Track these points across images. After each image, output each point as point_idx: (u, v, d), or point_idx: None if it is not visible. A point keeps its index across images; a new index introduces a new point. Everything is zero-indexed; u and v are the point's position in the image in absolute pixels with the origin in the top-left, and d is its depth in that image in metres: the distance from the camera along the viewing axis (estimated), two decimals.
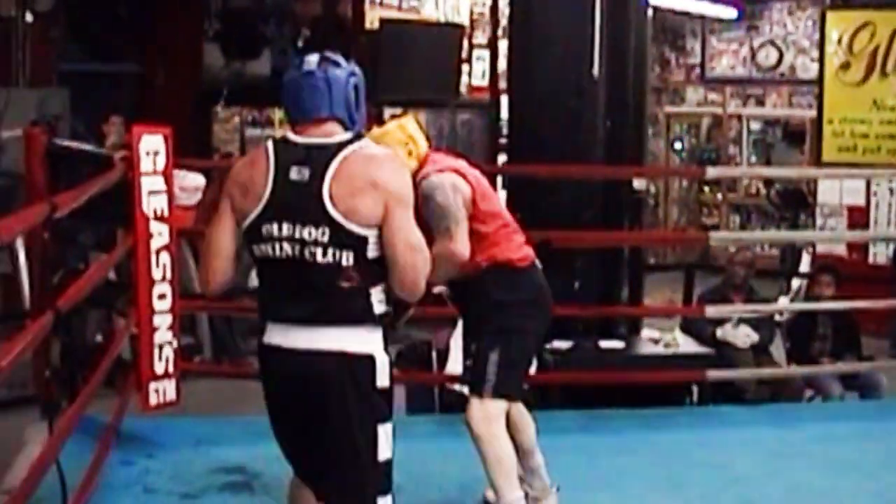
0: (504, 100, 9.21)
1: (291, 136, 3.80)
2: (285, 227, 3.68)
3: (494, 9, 9.74)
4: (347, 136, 3.77)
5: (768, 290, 10.22)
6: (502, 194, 9.10)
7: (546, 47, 8.04)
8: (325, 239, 3.65)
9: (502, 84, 9.47)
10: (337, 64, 3.86)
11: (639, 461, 6.52)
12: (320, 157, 3.69)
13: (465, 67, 13.60)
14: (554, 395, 7.60)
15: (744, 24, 17.63)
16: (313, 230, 3.65)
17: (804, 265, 12.92)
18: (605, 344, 7.75)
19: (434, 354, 7.65)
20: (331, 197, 3.63)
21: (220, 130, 12.60)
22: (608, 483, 6.13)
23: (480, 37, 13.79)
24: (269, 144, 3.81)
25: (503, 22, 9.47)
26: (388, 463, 3.83)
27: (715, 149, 17.79)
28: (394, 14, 12.83)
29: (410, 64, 11.99)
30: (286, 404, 3.85)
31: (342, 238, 3.65)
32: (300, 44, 12.60)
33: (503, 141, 9.41)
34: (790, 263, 13.89)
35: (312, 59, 3.84)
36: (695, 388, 7.94)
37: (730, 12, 16.89)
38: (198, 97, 12.43)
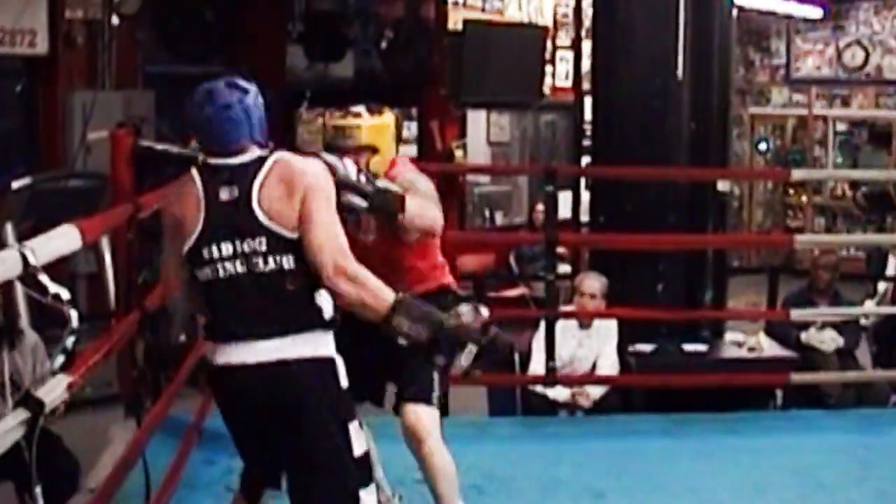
0: (588, 101, 9.14)
1: (213, 161, 3.91)
2: (224, 246, 3.80)
3: (578, 10, 9.67)
4: (265, 151, 3.91)
5: (854, 293, 10.06)
6: (586, 196, 9.09)
7: (630, 48, 8.02)
8: (264, 248, 3.78)
9: (586, 85, 9.39)
10: (245, 90, 3.95)
11: (722, 466, 6.44)
12: (245, 174, 3.83)
13: (548, 69, 13.59)
14: (637, 399, 7.57)
15: (829, 23, 17.41)
16: (251, 241, 3.78)
17: (890, 268, 12.72)
18: (688, 347, 7.69)
19: (516, 356, 7.62)
20: (260, 207, 3.78)
21: (303, 132, 12.62)
22: (690, 488, 6.06)
23: (564, 38, 13.77)
24: (194, 172, 3.93)
25: (587, 23, 9.38)
26: (365, 456, 3.94)
27: (800, 150, 17.58)
28: (477, 15, 12.81)
29: (494, 65, 11.99)
30: (255, 420, 3.91)
31: (279, 243, 3.78)
32: (383, 45, 12.62)
33: (587, 143, 9.33)
34: (876, 267, 13.69)
35: (222, 90, 3.91)
36: (779, 393, 7.87)
37: (815, 12, 16.69)
38: (282, 99, 12.49)
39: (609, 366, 7.50)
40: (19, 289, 6.35)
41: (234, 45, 12.40)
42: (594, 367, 7.52)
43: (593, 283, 7.50)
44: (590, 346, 7.54)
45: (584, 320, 7.57)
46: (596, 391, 7.46)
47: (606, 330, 7.57)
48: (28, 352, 6.10)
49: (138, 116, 9.87)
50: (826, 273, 8.76)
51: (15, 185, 8.35)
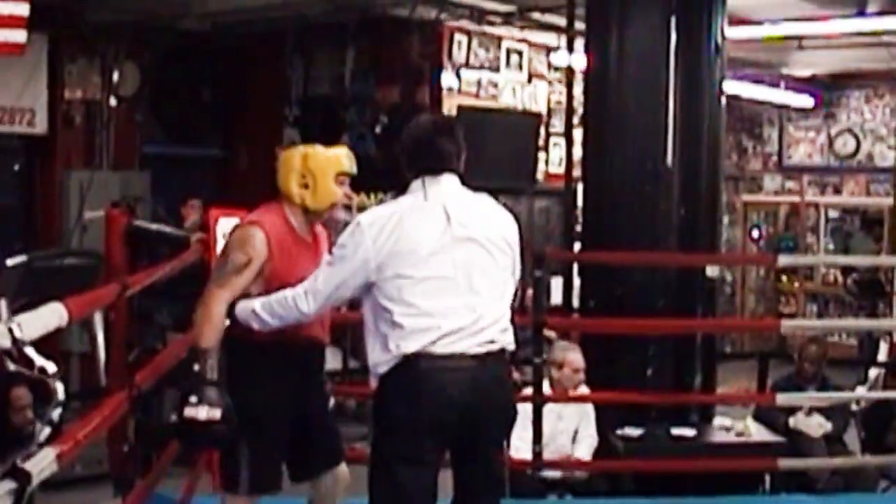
0: (580, 187, 9.22)
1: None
2: None
3: (570, 97, 9.77)
4: None
5: (846, 378, 10.08)
6: (577, 281, 9.14)
7: (621, 135, 8.11)
8: None
9: (578, 172, 9.47)
10: None
11: None
12: None
13: (542, 155, 13.67)
14: (625, 483, 7.56)
15: (821, 112, 17.57)
16: None
17: (881, 354, 12.74)
18: (676, 431, 7.70)
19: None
20: None
21: None
22: None
23: (558, 124, 13.86)
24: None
25: (579, 110, 9.49)
26: None
27: (793, 237, 17.67)
28: (472, 101, 12.90)
29: (488, 151, 12.04)
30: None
31: None
32: (378, 130, 12.71)
33: (578, 228, 9.40)
34: (868, 353, 13.71)
35: None
36: (767, 477, 7.85)
37: (806, 101, 16.86)
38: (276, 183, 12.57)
39: (589, 444, 7.50)
40: None
41: (232, 129, 12.50)
42: (575, 436, 7.51)
43: (577, 356, 7.48)
44: (569, 418, 7.51)
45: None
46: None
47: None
48: None
49: (133, 196, 9.98)
50: (811, 365, 8.73)
51: (10, 262, 8.39)
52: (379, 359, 4.35)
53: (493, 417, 4.43)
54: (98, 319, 7.38)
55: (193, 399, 4.34)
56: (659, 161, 7.96)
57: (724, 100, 8.45)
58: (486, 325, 4.37)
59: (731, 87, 11.52)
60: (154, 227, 5.59)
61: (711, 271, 8.45)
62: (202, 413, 4.31)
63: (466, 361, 4.30)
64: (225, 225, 5.89)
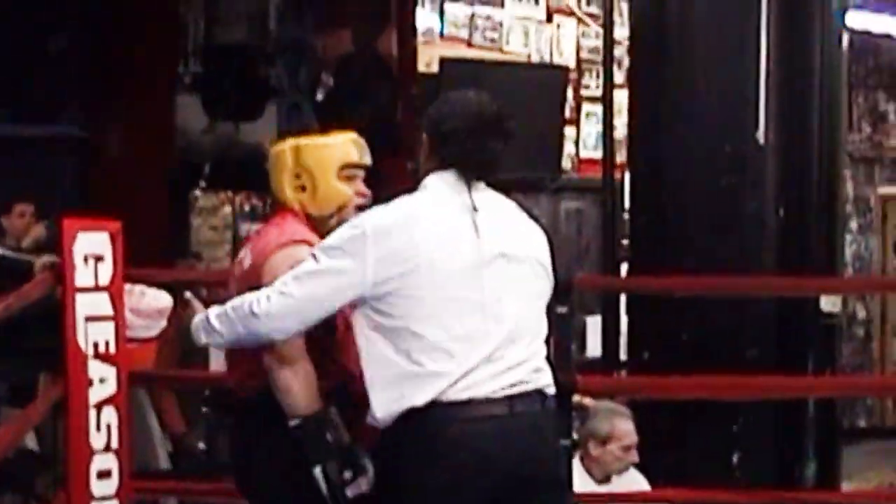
0: (626, 179, 9.24)
1: None
2: None
3: (610, 42, 9.79)
4: None
5: None
6: (624, 322, 9.15)
7: (686, 100, 8.12)
8: None
9: (622, 156, 9.49)
10: None
11: None
12: None
13: (569, 131, 13.69)
14: None
15: None
16: None
17: None
18: None
19: None
20: None
21: (200, 225, 12.66)
22: None
23: (592, 85, 13.88)
24: None
25: (624, 62, 9.50)
26: None
27: None
28: (461, 51, 12.92)
29: None
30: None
31: None
32: (320, 96, 12.70)
33: (626, 241, 9.41)
34: None
35: None
36: None
37: None
38: (167, 175, 12.51)
39: None
40: None
41: (97, 95, 12.45)
42: None
43: (630, 426, 7.47)
44: None
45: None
46: None
47: (632, 481, 7.59)
48: None
49: None
50: None
51: None
52: (380, 404, 4.75)
53: (533, 483, 4.75)
54: None
55: (348, 475, 4.84)
56: (745, 138, 7.99)
57: (846, 40, 8.47)
58: (515, 362, 4.77)
59: (860, 19, 11.54)
60: None
61: (830, 304, 8.48)
62: (364, 485, 4.83)
63: (492, 408, 4.68)
64: (88, 243, 5.89)
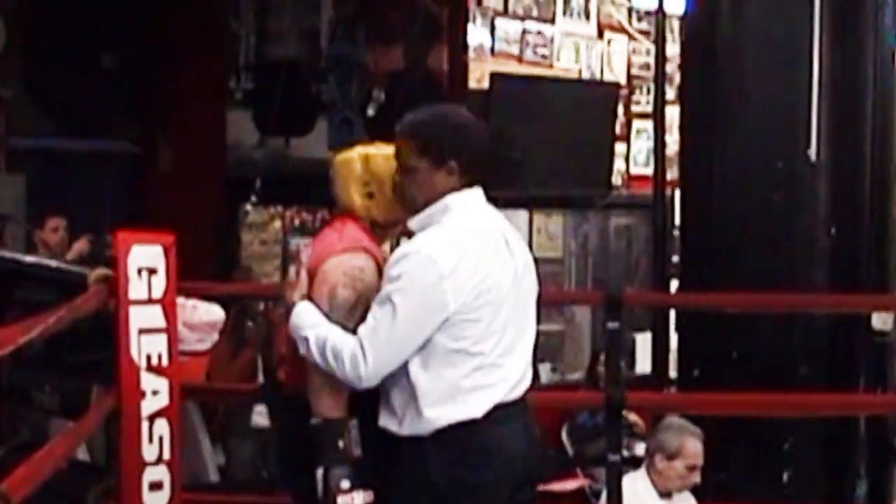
0: (677, 196, 9.24)
1: None
2: None
3: (662, 59, 9.79)
4: None
5: None
6: (674, 339, 9.14)
7: (739, 116, 8.12)
8: None
9: (673, 173, 9.49)
10: None
11: None
12: None
13: (619, 147, 13.68)
14: None
15: None
16: None
17: None
18: None
19: None
20: None
21: (251, 239, 12.68)
22: None
23: (643, 101, 13.87)
24: None
25: (676, 78, 9.50)
26: None
27: None
28: (512, 67, 12.93)
29: (537, 141, 12.02)
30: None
31: None
32: (371, 111, 12.71)
33: (676, 258, 9.41)
34: None
35: None
36: None
37: None
38: (218, 190, 12.52)
39: None
40: None
41: (149, 111, 12.47)
42: None
43: (699, 446, 7.46)
44: None
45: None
46: None
47: (685, 501, 7.59)
48: None
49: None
50: None
51: None
52: (436, 417, 4.97)
53: (531, 481, 5.22)
54: None
55: (345, 484, 5.03)
56: (797, 156, 7.98)
57: None
58: (525, 367, 5.17)
59: None
60: (29, 259, 5.59)
61: (881, 322, 8.46)
62: (358, 500, 5.04)
63: (514, 408, 5.07)
64: (142, 257, 5.92)
